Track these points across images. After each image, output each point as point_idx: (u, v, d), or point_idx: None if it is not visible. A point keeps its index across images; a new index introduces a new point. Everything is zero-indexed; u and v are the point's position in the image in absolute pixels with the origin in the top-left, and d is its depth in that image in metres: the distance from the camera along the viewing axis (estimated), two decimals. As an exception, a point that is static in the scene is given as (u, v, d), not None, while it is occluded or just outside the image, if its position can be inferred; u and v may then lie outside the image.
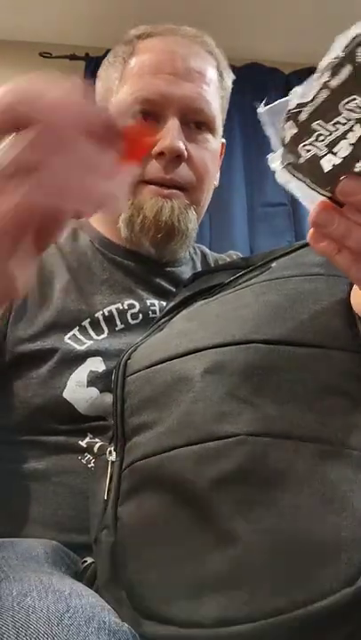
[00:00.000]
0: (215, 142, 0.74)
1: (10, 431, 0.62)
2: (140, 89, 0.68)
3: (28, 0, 1.92)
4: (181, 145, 0.67)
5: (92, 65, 2.04)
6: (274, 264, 0.53)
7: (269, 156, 0.37)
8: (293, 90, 0.34)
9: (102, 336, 0.64)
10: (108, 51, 2.21)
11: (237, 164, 1.96)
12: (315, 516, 0.36)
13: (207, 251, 0.87)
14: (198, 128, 0.71)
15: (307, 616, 0.33)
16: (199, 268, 0.80)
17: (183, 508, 0.39)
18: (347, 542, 0.35)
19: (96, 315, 0.66)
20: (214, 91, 0.72)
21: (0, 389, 0.63)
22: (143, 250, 0.72)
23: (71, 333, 0.64)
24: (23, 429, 0.61)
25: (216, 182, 0.78)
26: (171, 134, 0.67)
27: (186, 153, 0.68)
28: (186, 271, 0.77)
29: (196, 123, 0.71)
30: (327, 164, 0.34)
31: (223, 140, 0.80)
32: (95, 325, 0.65)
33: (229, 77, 0.77)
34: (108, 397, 0.59)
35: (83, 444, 0.59)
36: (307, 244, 0.54)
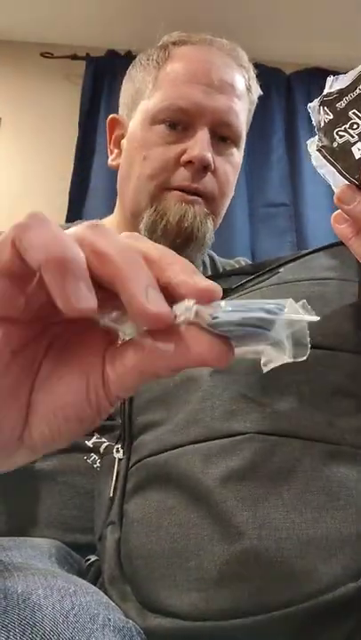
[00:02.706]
0: (238, 156, 0.75)
1: None
2: (175, 97, 0.69)
3: (28, 0, 1.93)
4: (210, 156, 0.68)
5: (92, 65, 2.04)
6: (282, 269, 0.53)
7: (309, 141, 0.39)
8: (334, 77, 0.37)
9: None
10: (109, 51, 2.21)
11: (238, 165, 1.96)
12: (320, 512, 0.36)
13: (215, 256, 0.87)
14: (225, 141, 0.72)
15: (312, 609, 0.33)
16: (209, 273, 0.80)
17: (190, 504, 0.40)
18: (352, 537, 0.35)
19: None
20: (243, 104, 0.73)
21: None
22: None
23: None
24: None
25: (232, 194, 0.79)
26: (200, 144, 0.67)
27: (213, 164, 0.68)
28: None
29: (223, 135, 0.71)
30: (358, 151, 0.36)
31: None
32: None
33: (257, 92, 0.78)
34: None
35: (89, 443, 0.59)
36: (315, 250, 0.54)
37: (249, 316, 0.24)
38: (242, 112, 0.72)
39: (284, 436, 0.40)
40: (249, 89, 0.75)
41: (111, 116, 0.80)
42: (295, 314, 0.25)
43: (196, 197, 0.69)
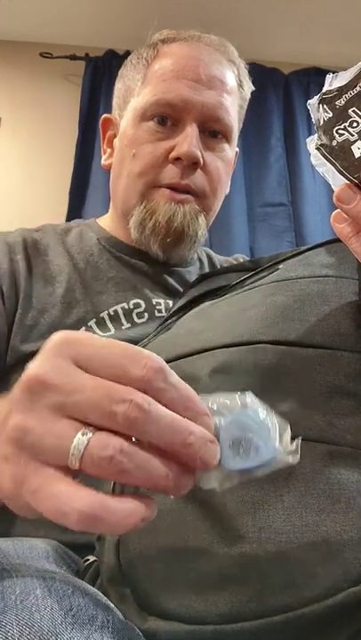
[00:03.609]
0: (230, 151, 0.75)
1: None
2: (162, 92, 0.68)
3: (28, 0, 1.92)
4: (198, 152, 0.67)
5: (92, 65, 2.04)
6: (281, 266, 0.53)
7: (308, 139, 0.39)
8: (333, 75, 0.36)
9: (109, 333, 0.64)
10: (108, 51, 2.21)
11: (237, 164, 1.96)
12: (321, 515, 0.36)
13: (213, 254, 0.87)
14: (215, 136, 0.71)
15: (313, 614, 0.33)
16: (206, 270, 0.80)
17: (189, 505, 0.39)
18: (353, 542, 0.35)
19: (101, 314, 0.66)
20: (233, 100, 0.73)
21: (4, 387, 0.63)
22: (151, 252, 0.72)
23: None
24: None
25: (227, 190, 0.78)
26: (188, 140, 0.67)
27: (202, 160, 0.68)
28: (192, 271, 0.77)
29: (213, 131, 0.71)
30: (357, 150, 0.36)
31: (237, 149, 0.80)
32: (101, 325, 0.65)
33: (249, 88, 0.77)
34: None
35: None
36: (315, 247, 0.54)
37: (250, 467, 0.30)
38: (232, 107, 0.72)
39: None
40: (240, 85, 0.75)
41: (104, 116, 0.80)
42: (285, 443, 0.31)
43: (186, 196, 0.69)
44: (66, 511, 0.27)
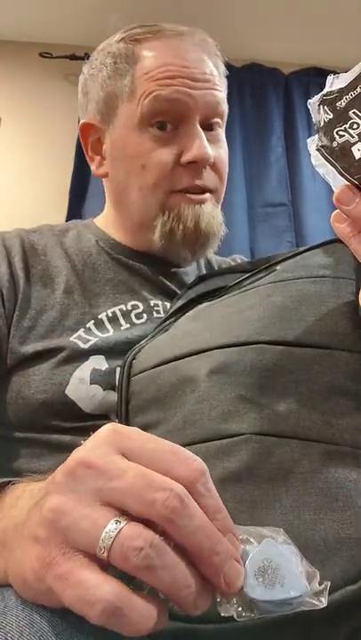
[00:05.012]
0: (223, 135, 0.75)
1: (13, 429, 0.62)
2: (163, 97, 0.67)
3: (28, 0, 1.93)
4: (210, 152, 0.68)
5: (91, 65, 2.04)
6: (279, 267, 0.53)
7: (309, 140, 0.39)
8: (334, 76, 0.36)
9: (107, 334, 0.64)
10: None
11: (238, 164, 1.96)
12: (318, 514, 0.36)
13: (211, 254, 0.86)
14: (213, 128, 0.72)
15: (311, 612, 0.33)
16: (204, 271, 0.80)
17: None
18: (350, 540, 0.35)
19: (99, 316, 0.66)
20: (223, 89, 0.73)
21: (4, 389, 0.63)
22: (178, 256, 0.72)
23: (77, 334, 0.64)
24: (26, 427, 0.61)
25: None
26: (199, 142, 0.67)
27: (213, 159, 0.69)
28: (190, 272, 0.77)
29: (211, 123, 0.71)
30: (358, 151, 0.36)
31: None
32: (100, 326, 0.65)
33: (224, 70, 0.77)
34: (112, 395, 0.59)
35: None
36: (312, 248, 0.54)
37: (273, 600, 0.29)
38: (224, 97, 0.73)
39: (282, 437, 0.39)
40: (219, 70, 0.74)
41: (83, 121, 0.76)
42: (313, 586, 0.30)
43: (204, 195, 0.69)
44: (91, 600, 0.27)
